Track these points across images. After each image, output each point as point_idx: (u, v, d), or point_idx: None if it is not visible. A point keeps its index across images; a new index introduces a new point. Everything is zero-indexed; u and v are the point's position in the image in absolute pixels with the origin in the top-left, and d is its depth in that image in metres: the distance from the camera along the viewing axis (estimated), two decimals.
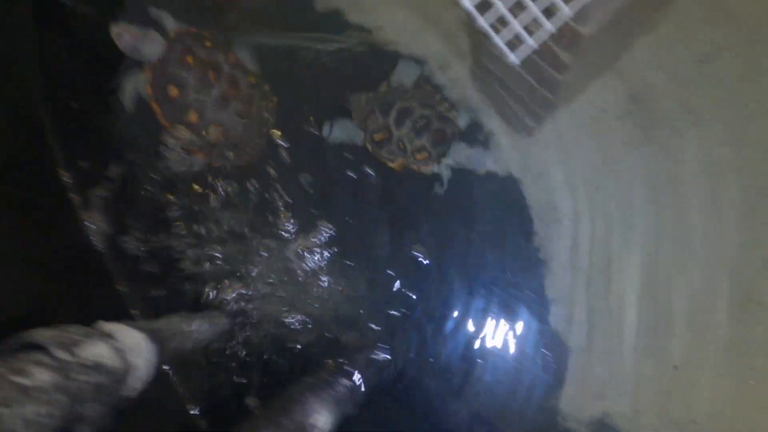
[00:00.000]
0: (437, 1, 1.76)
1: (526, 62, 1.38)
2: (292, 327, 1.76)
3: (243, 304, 1.76)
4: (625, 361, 1.59)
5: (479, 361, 1.71)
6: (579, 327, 1.64)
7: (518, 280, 1.72)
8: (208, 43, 1.66)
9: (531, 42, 0.93)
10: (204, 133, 1.65)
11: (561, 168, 1.71)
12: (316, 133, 1.79)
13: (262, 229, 1.80)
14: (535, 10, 0.92)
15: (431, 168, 1.65)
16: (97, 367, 0.99)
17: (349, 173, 1.78)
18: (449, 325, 1.74)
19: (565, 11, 0.94)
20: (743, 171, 1.60)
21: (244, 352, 1.75)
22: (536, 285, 1.72)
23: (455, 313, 1.74)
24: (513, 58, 0.93)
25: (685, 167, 1.63)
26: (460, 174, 1.73)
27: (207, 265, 1.77)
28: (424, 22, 1.78)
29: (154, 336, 1.24)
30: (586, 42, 1.12)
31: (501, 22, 0.91)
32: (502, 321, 1.72)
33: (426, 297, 1.76)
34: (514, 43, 0.92)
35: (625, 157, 1.67)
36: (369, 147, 1.70)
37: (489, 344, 1.72)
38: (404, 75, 1.77)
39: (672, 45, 1.71)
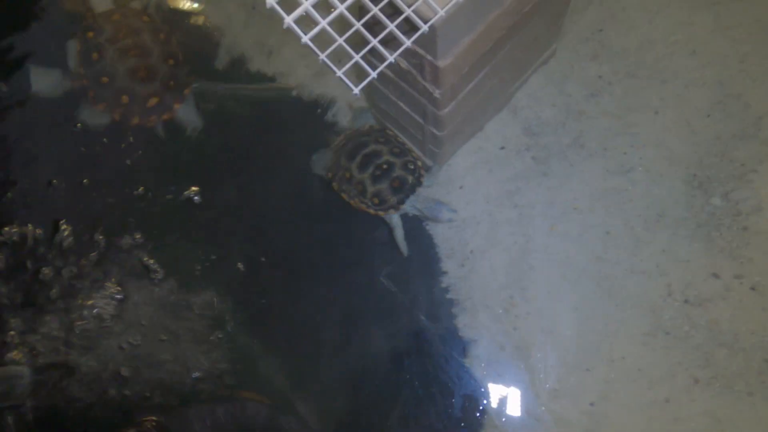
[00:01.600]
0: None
1: (409, 99, 1.39)
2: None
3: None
4: (541, 401, 1.52)
5: (393, 402, 1.61)
6: (493, 366, 1.58)
7: (431, 321, 1.66)
8: None
9: (372, 73, 0.92)
10: None
11: (466, 205, 1.70)
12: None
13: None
14: (373, 41, 0.91)
15: (387, 215, 1.61)
16: None
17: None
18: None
19: (405, 42, 0.94)
20: (635, 199, 1.62)
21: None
22: (449, 324, 1.66)
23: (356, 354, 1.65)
24: (354, 89, 0.91)
25: (580, 197, 1.64)
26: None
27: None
28: (321, 65, 1.79)
29: None
30: (445, 75, 1.13)
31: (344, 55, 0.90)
32: (415, 364, 1.63)
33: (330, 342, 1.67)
34: (358, 73, 0.91)
35: (525, 189, 1.67)
36: (334, 185, 1.66)
37: (403, 387, 1.62)
38: (341, 116, 1.82)
39: (563, 81, 1.77)
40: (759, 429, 1.41)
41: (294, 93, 1.85)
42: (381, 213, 1.61)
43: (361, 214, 1.66)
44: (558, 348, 1.55)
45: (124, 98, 1.77)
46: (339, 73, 0.90)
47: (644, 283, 1.56)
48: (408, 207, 1.61)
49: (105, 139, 1.83)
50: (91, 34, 1.77)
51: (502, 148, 1.73)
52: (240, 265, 1.72)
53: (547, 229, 1.63)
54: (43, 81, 1.81)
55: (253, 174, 1.82)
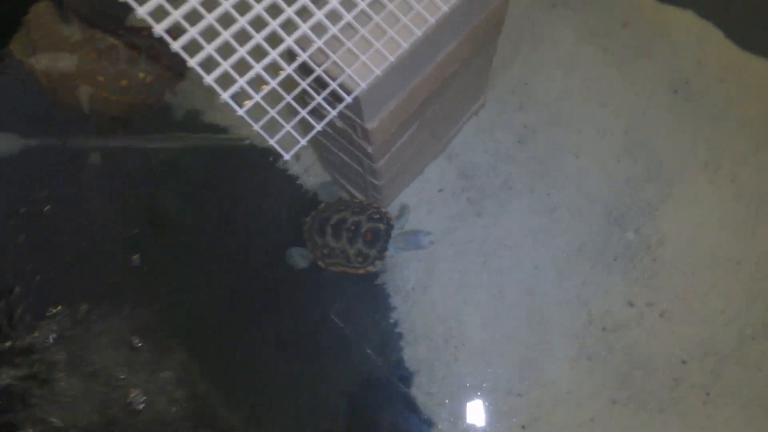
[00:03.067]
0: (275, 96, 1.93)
1: (349, 152, 1.53)
2: None
3: None
4: (477, 427, 1.63)
5: None
6: (434, 396, 1.68)
7: (377, 354, 1.76)
8: None
9: (302, 140, 1.05)
10: None
11: None
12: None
13: None
14: (302, 113, 1.04)
15: (376, 267, 1.68)
16: None
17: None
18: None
19: (331, 112, 1.08)
20: (559, 235, 1.79)
21: None
22: (395, 357, 1.76)
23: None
24: (285, 155, 1.03)
25: (510, 234, 1.80)
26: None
27: None
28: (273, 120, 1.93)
29: None
30: (374, 135, 1.27)
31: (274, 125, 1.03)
32: (364, 396, 1.72)
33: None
34: (289, 140, 1.03)
35: (461, 228, 1.82)
36: (321, 264, 1.72)
37: (353, 419, 1.71)
38: (290, 163, 1.92)
39: (492, 129, 1.95)
40: None
41: (246, 143, 1.97)
42: (371, 268, 1.67)
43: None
44: (493, 375, 1.67)
45: None
46: (272, 141, 1.03)
47: (568, 313, 1.71)
48: (392, 250, 1.69)
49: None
50: None
51: (440, 190, 1.89)
52: (190, 311, 1.79)
53: (482, 264, 1.78)
54: None
55: (203, 224, 1.92)
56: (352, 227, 1.65)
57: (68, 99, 1.90)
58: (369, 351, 1.78)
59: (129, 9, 1.00)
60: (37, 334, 1.72)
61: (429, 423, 1.67)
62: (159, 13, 0.89)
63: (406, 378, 1.74)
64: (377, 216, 1.68)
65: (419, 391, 1.70)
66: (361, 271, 1.68)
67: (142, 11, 0.87)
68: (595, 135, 1.90)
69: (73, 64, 1.80)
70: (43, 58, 1.84)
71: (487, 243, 1.80)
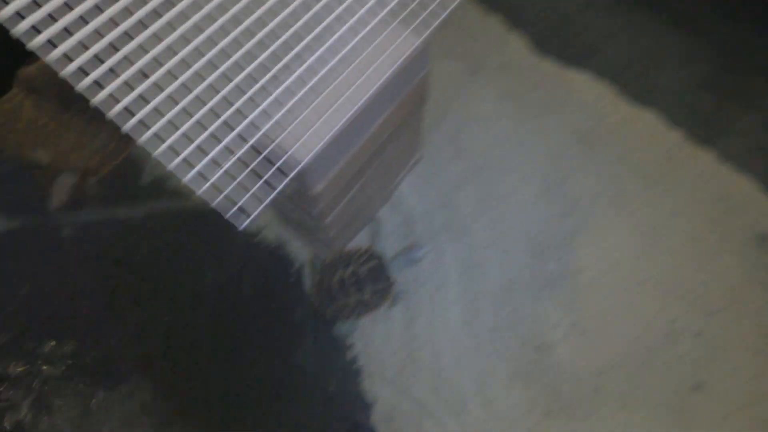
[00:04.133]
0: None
1: (300, 211, 1.76)
2: None
3: None
4: None
5: None
6: (392, 425, 1.87)
7: (338, 388, 1.95)
8: None
9: (254, 213, 1.27)
10: None
11: None
12: None
13: None
14: (248, 193, 1.27)
15: (391, 299, 1.88)
16: None
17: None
18: None
19: (275, 189, 1.31)
20: (492, 270, 2.05)
21: None
22: (354, 390, 1.95)
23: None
24: (238, 227, 1.25)
25: (451, 272, 2.05)
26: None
27: None
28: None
29: None
30: (317, 199, 1.51)
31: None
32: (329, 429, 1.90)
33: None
34: (243, 211, 1.26)
35: (407, 270, 2.06)
36: (349, 321, 1.90)
37: None
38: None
39: (431, 178, 2.22)
40: None
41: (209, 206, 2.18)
42: (390, 298, 1.88)
43: (275, 304, 1.97)
44: (443, 399, 1.88)
45: None
46: (226, 215, 1.25)
47: (505, 338, 1.95)
48: (396, 272, 1.90)
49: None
50: None
51: (387, 235, 2.14)
52: (151, 361, 1.95)
53: (427, 300, 2.01)
54: None
55: (172, 283, 2.10)
56: (352, 278, 1.86)
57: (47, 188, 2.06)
58: (332, 387, 1.97)
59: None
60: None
61: None
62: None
63: (366, 409, 1.94)
64: (364, 258, 1.90)
65: (378, 420, 1.89)
66: (385, 305, 1.88)
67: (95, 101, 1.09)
68: (518, 180, 2.20)
69: (49, 155, 1.98)
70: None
71: (431, 281, 2.04)
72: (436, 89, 2.38)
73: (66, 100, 2.09)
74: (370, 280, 1.85)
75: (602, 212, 2.13)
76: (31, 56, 1.96)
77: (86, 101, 1.09)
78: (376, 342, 1.98)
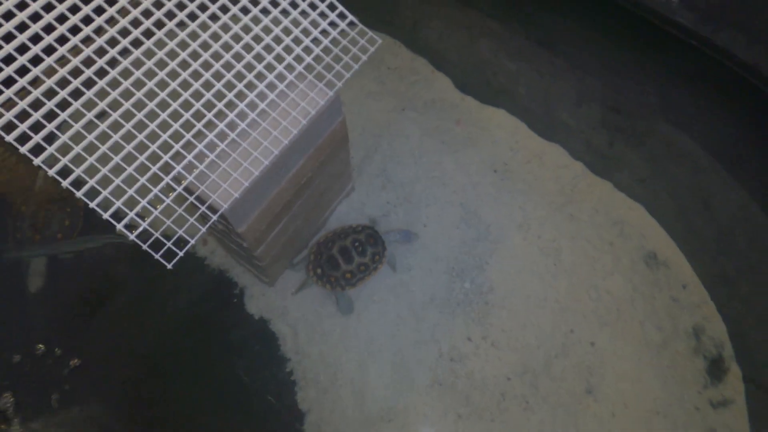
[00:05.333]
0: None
1: (236, 244, 1.97)
2: None
3: None
4: None
5: None
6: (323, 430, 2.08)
7: (276, 399, 2.15)
8: None
9: (179, 252, 1.48)
10: None
11: (297, 307, 2.27)
12: None
13: None
14: (179, 232, 1.48)
15: (387, 258, 2.24)
16: None
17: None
18: None
19: (201, 229, 1.52)
20: (415, 289, 2.29)
21: None
22: (290, 401, 2.15)
23: None
24: (168, 265, 1.46)
25: (378, 291, 2.28)
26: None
27: None
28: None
29: None
30: (246, 234, 1.73)
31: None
32: None
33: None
34: (174, 246, 1.46)
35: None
36: (350, 288, 2.21)
37: None
38: (198, 247, 2.32)
39: (362, 207, 2.46)
40: None
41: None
42: (380, 266, 2.22)
43: (219, 323, 2.17)
44: (368, 407, 2.10)
45: None
46: (157, 255, 1.46)
47: (424, 350, 2.19)
48: (388, 243, 2.25)
49: None
50: None
51: None
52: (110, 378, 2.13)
53: (356, 319, 2.24)
54: None
55: (126, 308, 2.28)
56: (355, 244, 2.19)
57: None
58: (270, 398, 2.17)
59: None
60: None
61: None
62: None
63: (300, 418, 2.14)
64: (359, 228, 2.24)
65: (310, 428, 2.10)
66: (379, 268, 2.21)
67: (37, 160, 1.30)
68: (439, 208, 2.45)
69: None
70: None
71: (360, 300, 2.27)
72: (369, 124, 2.63)
73: None
74: (369, 245, 2.19)
75: (512, 236, 2.39)
76: None
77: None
78: (311, 356, 2.19)
